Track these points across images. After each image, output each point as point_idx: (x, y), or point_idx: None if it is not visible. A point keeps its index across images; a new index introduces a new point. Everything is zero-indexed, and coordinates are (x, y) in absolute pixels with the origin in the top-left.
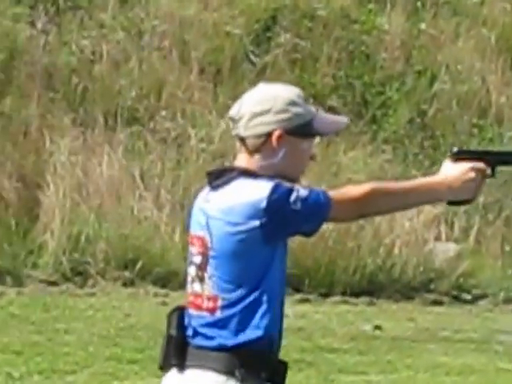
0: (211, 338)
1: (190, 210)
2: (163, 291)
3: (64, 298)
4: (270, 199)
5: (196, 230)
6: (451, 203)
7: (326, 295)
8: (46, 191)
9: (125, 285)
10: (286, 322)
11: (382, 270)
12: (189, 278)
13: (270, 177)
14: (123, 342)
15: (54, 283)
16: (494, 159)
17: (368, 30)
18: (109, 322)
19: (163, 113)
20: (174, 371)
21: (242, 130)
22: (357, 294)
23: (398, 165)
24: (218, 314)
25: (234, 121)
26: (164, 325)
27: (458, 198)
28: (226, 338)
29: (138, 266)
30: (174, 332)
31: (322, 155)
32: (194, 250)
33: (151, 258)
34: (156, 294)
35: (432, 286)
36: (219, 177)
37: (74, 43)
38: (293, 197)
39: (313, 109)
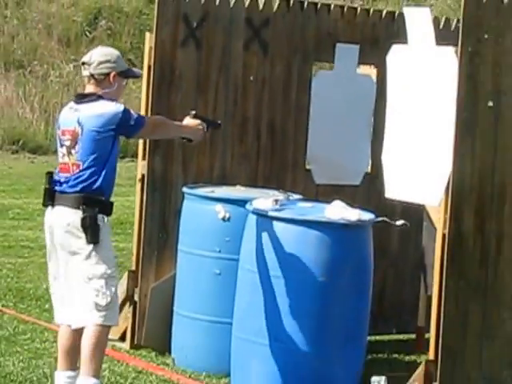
0: (70, 187)
1: (57, 118)
2: (33, 156)
3: None
4: (123, 115)
5: (67, 126)
6: (184, 138)
7: None
8: None
9: (12, 153)
10: None
11: None
12: (60, 154)
13: (112, 100)
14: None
15: None
16: (207, 123)
17: None
18: None
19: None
20: (49, 208)
21: (92, 70)
22: None
23: None
24: (76, 174)
25: (87, 64)
26: (30, 175)
27: (193, 137)
28: (78, 187)
29: (20, 142)
30: (46, 185)
31: None
32: (65, 137)
33: (28, 138)
34: (29, 158)
35: None
36: (84, 97)
37: None
38: (131, 117)
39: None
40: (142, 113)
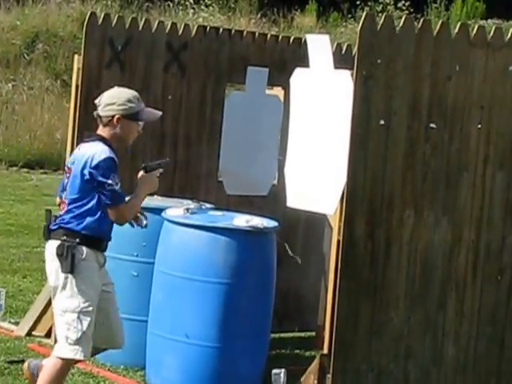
0: (65, 223)
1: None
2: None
3: None
4: (98, 163)
5: (69, 164)
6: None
7: None
8: None
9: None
10: None
11: None
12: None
13: (111, 146)
14: None
15: None
16: (158, 167)
17: None
18: None
19: None
20: (48, 242)
21: (100, 111)
22: None
23: None
24: (69, 212)
25: (97, 104)
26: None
27: (153, 191)
28: (71, 224)
29: None
30: (46, 223)
31: None
32: (67, 175)
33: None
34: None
35: None
36: (88, 137)
37: None
38: (105, 174)
39: (141, 105)
40: (69, 127)
